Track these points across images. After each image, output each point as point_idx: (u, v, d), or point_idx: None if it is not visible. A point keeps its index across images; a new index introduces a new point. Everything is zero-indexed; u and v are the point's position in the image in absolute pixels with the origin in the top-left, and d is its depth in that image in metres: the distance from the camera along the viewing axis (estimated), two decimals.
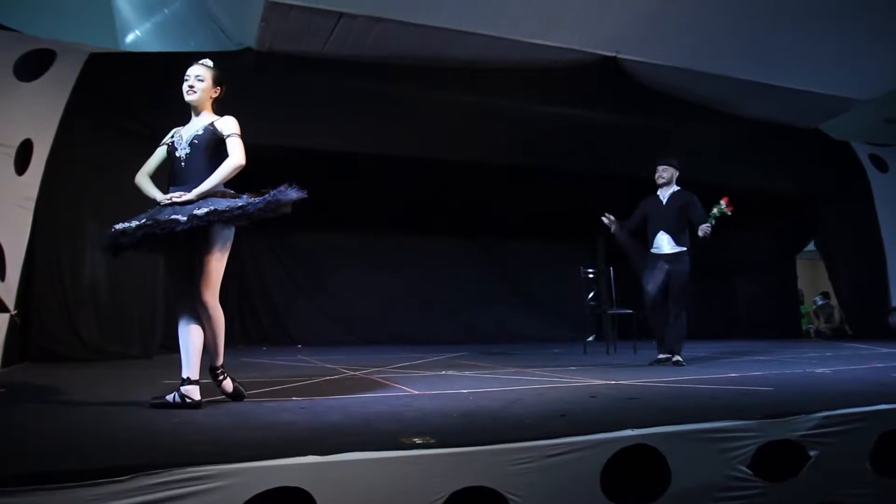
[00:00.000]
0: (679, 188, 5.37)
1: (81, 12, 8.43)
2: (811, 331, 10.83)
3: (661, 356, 5.26)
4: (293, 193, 2.79)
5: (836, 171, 8.97)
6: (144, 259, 5.38)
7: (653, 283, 5.20)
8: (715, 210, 4.98)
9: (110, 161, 5.35)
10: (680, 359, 5.11)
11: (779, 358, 5.76)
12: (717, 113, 7.93)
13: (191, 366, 2.85)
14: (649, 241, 5.32)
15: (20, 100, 5.30)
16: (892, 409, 2.72)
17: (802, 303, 11.51)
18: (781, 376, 4.22)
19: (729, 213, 4.99)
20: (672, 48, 6.85)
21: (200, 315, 2.89)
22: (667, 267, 5.16)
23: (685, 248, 5.21)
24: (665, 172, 5.38)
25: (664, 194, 5.38)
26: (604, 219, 5.31)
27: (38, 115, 5.36)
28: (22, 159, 5.22)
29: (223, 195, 2.86)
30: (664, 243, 5.22)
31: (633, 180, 7.88)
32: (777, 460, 2.44)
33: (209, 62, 3.07)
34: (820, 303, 11.51)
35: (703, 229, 4.98)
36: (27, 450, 2.04)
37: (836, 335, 10.25)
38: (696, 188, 5.10)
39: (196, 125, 3.00)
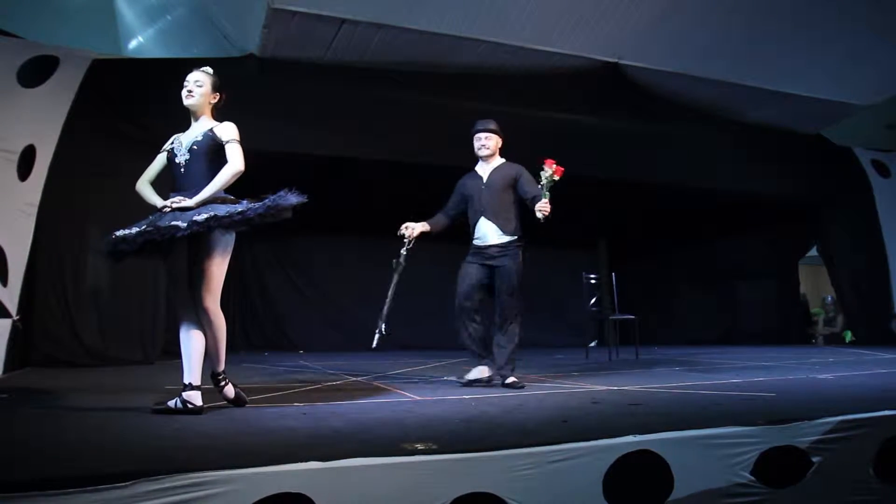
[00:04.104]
0: (504, 161, 4.24)
1: (84, 18, 8.44)
2: (819, 337, 10.71)
3: (476, 376, 4.07)
4: (293, 198, 2.79)
5: (837, 176, 8.97)
6: (146, 265, 5.39)
7: (466, 282, 4.09)
8: (544, 179, 3.90)
9: (113, 167, 5.35)
10: (514, 379, 3.94)
11: (781, 364, 5.75)
12: (718, 119, 7.94)
13: (192, 371, 2.85)
14: (471, 231, 4.22)
15: (23, 106, 5.31)
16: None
17: (810, 307, 11.43)
18: (784, 382, 4.21)
19: (557, 179, 3.89)
20: (673, 54, 6.86)
21: (202, 321, 2.89)
22: (491, 263, 4.06)
23: (516, 238, 4.07)
24: (489, 141, 4.20)
25: (484, 170, 4.22)
26: (403, 232, 4.33)
27: (40, 121, 5.38)
28: (25, 165, 5.24)
29: (223, 201, 2.87)
30: (489, 233, 4.08)
31: (634, 184, 7.92)
32: (780, 466, 2.44)
33: (209, 69, 3.10)
34: (829, 300, 11.41)
35: (541, 208, 3.86)
36: (29, 455, 2.04)
37: (830, 341, 10.18)
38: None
39: (195, 131, 3.01)
